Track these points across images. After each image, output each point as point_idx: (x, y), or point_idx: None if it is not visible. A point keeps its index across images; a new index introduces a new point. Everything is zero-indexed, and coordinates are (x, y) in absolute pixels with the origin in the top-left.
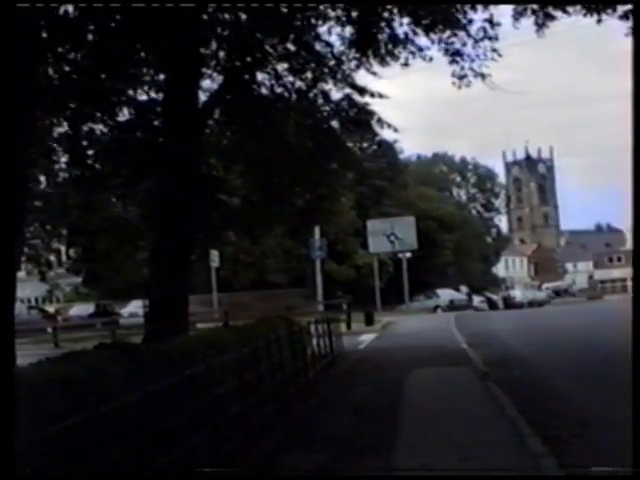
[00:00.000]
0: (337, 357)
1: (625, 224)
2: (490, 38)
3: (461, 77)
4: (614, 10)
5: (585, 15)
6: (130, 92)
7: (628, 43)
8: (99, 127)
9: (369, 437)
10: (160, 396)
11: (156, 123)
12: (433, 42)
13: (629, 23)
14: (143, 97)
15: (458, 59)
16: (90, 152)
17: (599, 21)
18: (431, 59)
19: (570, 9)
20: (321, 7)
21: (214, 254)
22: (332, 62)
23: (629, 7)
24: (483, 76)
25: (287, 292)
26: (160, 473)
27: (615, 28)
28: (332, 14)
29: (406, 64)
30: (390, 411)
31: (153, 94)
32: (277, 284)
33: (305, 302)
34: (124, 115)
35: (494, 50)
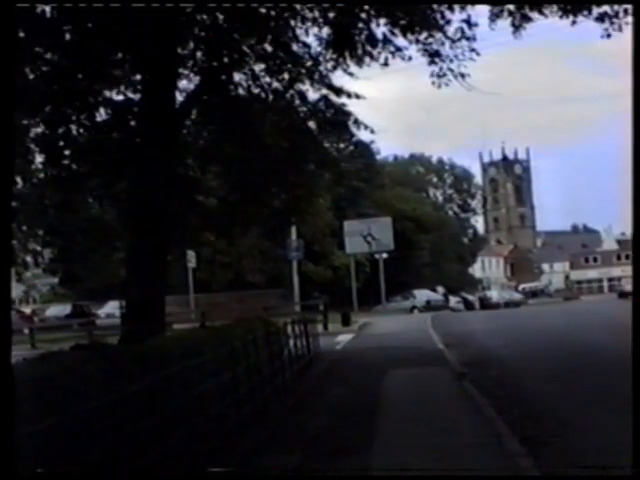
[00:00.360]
0: (314, 358)
1: (601, 225)
2: (468, 38)
3: (440, 76)
4: (590, 12)
5: (561, 17)
6: (107, 92)
7: (604, 44)
8: (76, 127)
9: (346, 438)
10: (137, 397)
11: (133, 124)
12: (411, 42)
13: (605, 25)
14: (120, 97)
15: (437, 59)
16: (67, 152)
17: (574, 23)
18: (410, 58)
19: (547, 11)
20: (298, 7)
21: (191, 255)
22: (309, 63)
23: (605, 9)
24: (462, 76)
25: (264, 293)
26: (160, 473)
27: (591, 30)
28: (309, 15)
29: (386, 64)
30: (367, 412)
31: (130, 94)
32: (254, 285)
33: (282, 303)
34: (101, 115)
35: (472, 50)
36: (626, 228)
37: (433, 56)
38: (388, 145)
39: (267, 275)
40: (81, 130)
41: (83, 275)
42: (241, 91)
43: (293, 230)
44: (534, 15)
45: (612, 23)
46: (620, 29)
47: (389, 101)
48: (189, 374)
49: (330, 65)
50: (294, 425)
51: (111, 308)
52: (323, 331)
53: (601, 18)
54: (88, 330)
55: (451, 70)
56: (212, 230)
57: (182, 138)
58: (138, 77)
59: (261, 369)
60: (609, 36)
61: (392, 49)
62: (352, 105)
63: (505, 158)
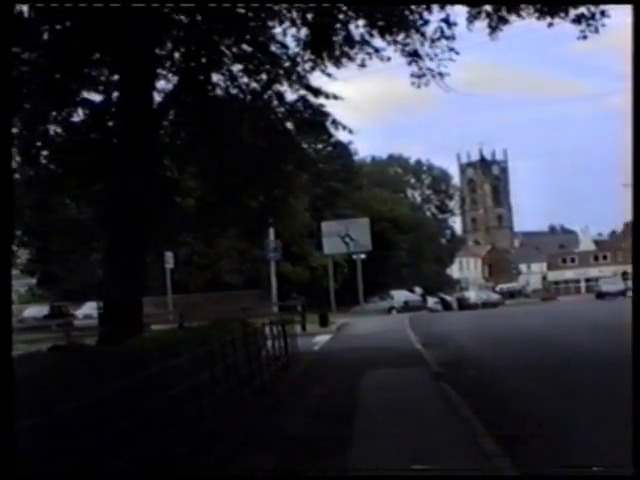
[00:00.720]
0: (292, 358)
1: (578, 225)
2: (447, 37)
3: (420, 77)
4: (566, 14)
5: (538, 18)
6: (85, 93)
7: (580, 46)
8: (53, 127)
9: (324, 438)
10: (115, 398)
11: (111, 124)
12: (389, 43)
13: (582, 27)
14: (98, 98)
15: (416, 59)
16: (44, 152)
17: (550, 25)
18: (389, 59)
19: (524, 12)
20: (276, 8)
21: (169, 255)
22: (287, 63)
23: (581, 11)
24: (441, 75)
25: (242, 294)
26: (160, 473)
27: (567, 31)
28: (287, 15)
29: (363, 65)
30: (345, 412)
31: (108, 95)
32: (232, 285)
33: (260, 303)
34: (79, 115)
35: (451, 49)
36: (603, 229)
37: (412, 56)
38: (366, 146)
39: (245, 276)
40: (59, 130)
41: (61, 276)
42: (219, 91)
43: (271, 231)
44: (511, 17)
45: (589, 25)
46: (597, 31)
47: (367, 102)
48: (167, 375)
49: (308, 66)
50: (272, 426)
51: (89, 309)
52: (301, 332)
53: (578, 20)
54: (66, 331)
55: (430, 70)
56: (190, 231)
57: (160, 138)
58: (116, 77)
59: (239, 370)
60: (585, 38)
61: (370, 50)
62: (330, 106)
63: (483, 159)
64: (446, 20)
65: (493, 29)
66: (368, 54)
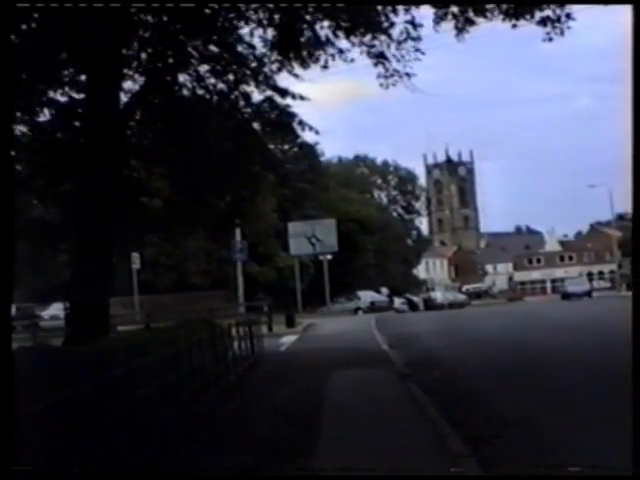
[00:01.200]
0: (258, 359)
1: (544, 226)
2: (413, 39)
3: (387, 77)
4: (532, 16)
5: (503, 20)
6: (51, 93)
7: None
8: (19, 128)
9: (291, 439)
10: (81, 399)
11: (77, 124)
12: (354, 44)
13: (547, 29)
14: (64, 98)
15: (382, 61)
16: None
17: (514, 26)
18: (352, 60)
19: (490, 14)
20: (243, 9)
21: (135, 256)
22: (254, 64)
23: (547, 13)
24: (408, 75)
25: (208, 294)
26: (160, 473)
27: (534, 33)
28: (254, 16)
29: (326, 66)
30: (311, 413)
31: (74, 95)
32: (198, 286)
33: (226, 304)
34: (45, 116)
35: (417, 50)
36: (568, 230)
37: (378, 57)
38: (332, 147)
39: (212, 277)
40: (25, 130)
41: (27, 277)
42: (186, 92)
43: (237, 231)
44: (478, 19)
45: (554, 27)
46: (562, 33)
47: (334, 102)
48: (133, 376)
49: (275, 66)
50: (239, 426)
51: (55, 310)
52: (267, 332)
53: (543, 22)
54: (32, 332)
55: (397, 71)
56: (157, 231)
57: (126, 139)
58: (83, 78)
59: (205, 370)
60: (551, 40)
61: (333, 51)
62: (297, 106)
63: (449, 160)
64: (412, 22)
65: (460, 30)
66: (332, 55)
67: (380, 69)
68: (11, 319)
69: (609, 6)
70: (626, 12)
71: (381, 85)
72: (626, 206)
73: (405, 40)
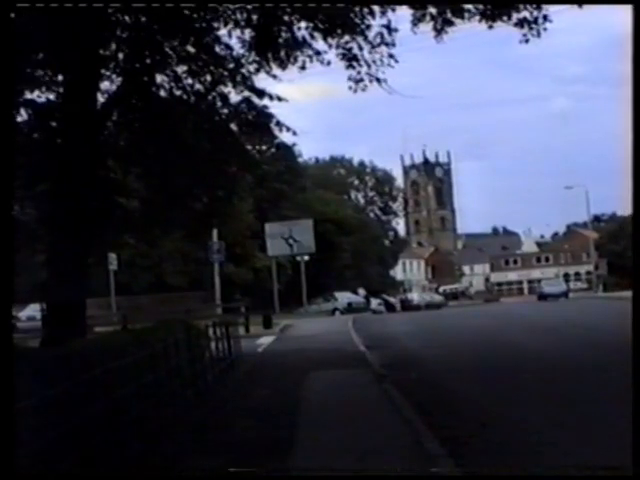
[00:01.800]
0: (236, 360)
1: (521, 227)
2: (387, 44)
3: (357, 81)
4: (509, 17)
5: (480, 21)
6: (28, 93)
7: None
8: None
9: (268, 440)
10: (57, 400)
11: (54, 124)
12: (331, 46)
13: (524, 30)
14: (41, 98)
15: (355, 64)
16: None
17: (490, 27)
18: (329, 63)
19: (467, 15)
20: (221, 9)
21: (112, 257)
22: (231, 65)
23: (524, 15)
24: (379, 80)
25: (186, 295)
26: (160, 473)
27: (511, 35)
28: (232, 17)
29: (303, 67)
30: (288, 414)
31: (51, 95)
32: (176, 287)
33: (204, 305)
34: (21, 116)
35: (391, 56)
36: (545, 231)
37: (351, 60)
38: (310, 147)
39: (188, 277)
40: None
41: None
42: (163, 93)
43: (214, 232)
44: (457, 20)
45: (531, 29)
46: (538, 35)
47: (311, 103)
48: (110, 377)
49: (252, 67)
50: (216, 428)
51: (32, 311)
52: (245, 334)
53: (520, 23)
54: None
55: (369, 75)
56: (133, 232)
57: (103, 139)
58: (59, 78)
59: (182, 372)
60: (527, 41)
61: (310, 52)
62: (274, 107)
63: (426, 161)
64: (387, 26)
65: (438, 32)
66: (309, 57)
67: (351, 72)
68: (11, 320)
69: (586, 9)
70: (604, 14)
71: (350, 88)
72: (602, 208)
73: (379, 44)
